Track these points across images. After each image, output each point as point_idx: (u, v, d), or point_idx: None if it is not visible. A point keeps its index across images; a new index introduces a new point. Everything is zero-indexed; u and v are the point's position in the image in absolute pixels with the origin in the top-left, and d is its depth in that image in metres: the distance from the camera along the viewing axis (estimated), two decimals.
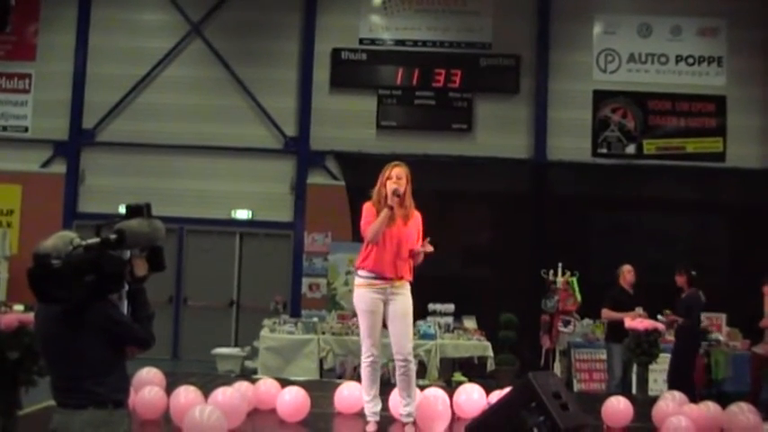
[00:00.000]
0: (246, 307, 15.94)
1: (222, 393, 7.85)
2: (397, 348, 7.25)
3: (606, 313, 11.71)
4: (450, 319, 13.33)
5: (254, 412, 8.27)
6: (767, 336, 11.15)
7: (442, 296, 13.36)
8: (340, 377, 12.29)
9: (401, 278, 7.22)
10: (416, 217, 7.33)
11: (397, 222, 7.19)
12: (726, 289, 13.65)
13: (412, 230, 7.25)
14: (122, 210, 4.65)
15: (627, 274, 11.69)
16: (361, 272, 7.34)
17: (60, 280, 4.28)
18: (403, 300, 7.24)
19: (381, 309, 7.24)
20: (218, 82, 16.23)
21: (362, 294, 7.30)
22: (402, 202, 7.21)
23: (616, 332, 11.36)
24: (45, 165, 16.23)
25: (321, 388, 9.49)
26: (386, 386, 7.86)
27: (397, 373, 7.37)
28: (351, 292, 14.47)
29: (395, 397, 7.71)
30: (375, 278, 7.23)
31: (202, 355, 14.31)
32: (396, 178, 7.21)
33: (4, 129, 16.32)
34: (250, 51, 16.25)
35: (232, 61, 16.17)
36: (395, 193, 7.11)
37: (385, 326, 7.34)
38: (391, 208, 7.12)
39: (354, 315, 13.09)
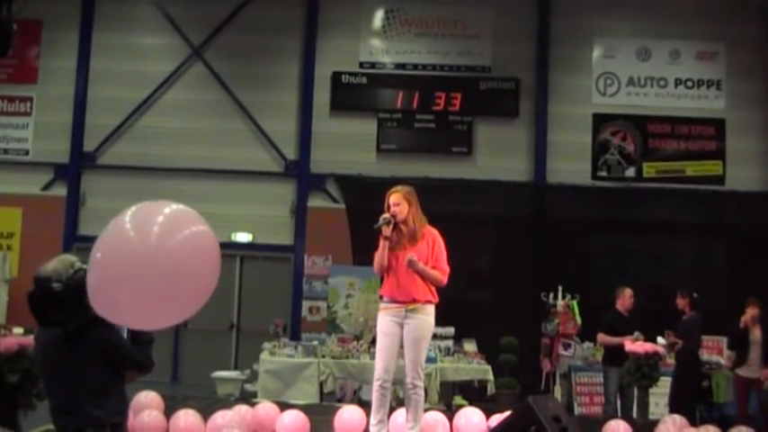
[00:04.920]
0: (246, 330, 15.92)
1: (222, 417, 7.85)
2: (406, 371, 7.27)
3: (602, 338, 11.62)
4: (450, 343, 13.31)
5: None
6: (751, 358, 11.12)
7: (443, 319, 13.22)
8: (340, 401, 12.25)
9: (414, 301, 7.20)
10: (428, 235, 7.30)
11: (404, 246, 7.21)
12: (726, 312, 13.60)
13: (422, 250, 7.23)
14: None
15: (627, 298, 11.61)
16: (382, 298, 7.44)
17: (61, 303, 4.30)
18: (417, 324, 7.21)
19: (397, 332, 7.23)
20: (218, 105, 16.27)
21: (381, 318, 7.37)
22: (405, 223, 7.23)
23: (613, 356, 11.30)
24: (46, 188, 16.26)
25: (321, 411, 9.46)
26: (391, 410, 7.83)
27: (405, 395, 7.38)
28: (351, 315, 14.70)
29: (396, 420, 7.69)
30: (391, 302, 7.28)
31: (202, 378, 14.26)
32: (393, 206, 7.24)
33: (5, 152, 16.35)
34: (251, 75, 16.32)
35: (233, 85, 16.23)
36: (383, 221, 7.18)
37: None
38: (386, 238, 7.18)
39: (355, 338, 13.22)
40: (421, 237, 7.26)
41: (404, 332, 7.22)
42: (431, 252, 7.27)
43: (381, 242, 7.24)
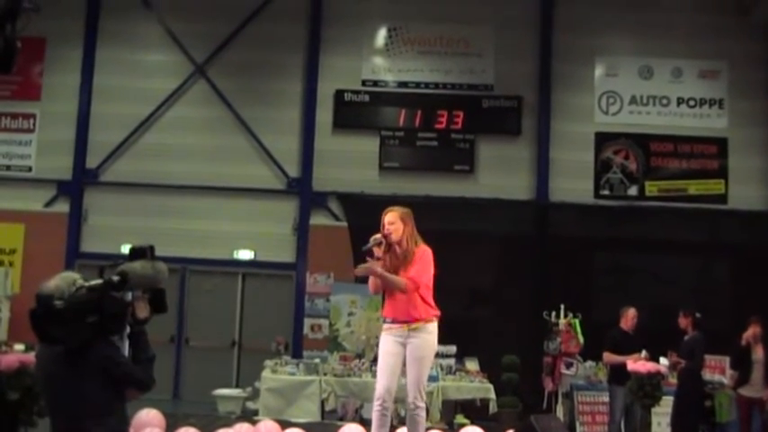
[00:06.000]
0: (248, 347, 15.87)
1: None
2: (408, 391, 7.19)
3: (608, 357, 11.63)
4: (452, 361, 13.29)
5: None
6: (754, 377, 11.09)
7: (444, 337, 13.17)
8: (341, 419, 12.24)
9: (416, 320, 7.12)
10: (418, 253, 7.16)
11: (397, 268, 7.13)
12: (729, 331, 13.55)
13: (411, 270, 7.16)
14: (125, 250, 4.67)
15: (630, 317, 11.61)
16: (385, 319, 7.34)
17: (63, 321, 4.29)
18: (419, 343, 7.11)
19: (400, 351, 7.14)
20: (221, 122, 16.29)
21: (383, 338, 7.29)
22: (399, 244, 7.16)
23: (618, 374, 11.29)
24: (48, 204, 16.26)
25: (322, 430, 9.47)
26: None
27: (407, 414, 7.33)
28: (353, 333, 14.68)
29: None
30: (393, 323, 7.20)
31: (203, 395, 14.22)
32: (388, 224, 7.18)
33: (8, 168, 16.36)
34: (253, 92, 16.34)
35: (235, 102, 16.26)
36: (374, 243, 7.12)
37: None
38: (378, 259, 7.11)
39: (357, 356, 13.19)
40: (412, 257, 7.16)
41: (406, 351, 7.16)
42: (417, 268, 7.13)
43: (374, 263, 7.14)
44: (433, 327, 7.23)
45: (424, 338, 7.15)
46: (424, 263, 7.17)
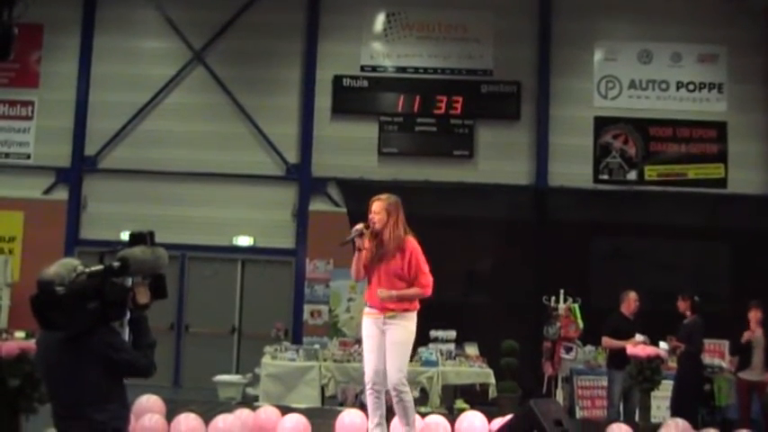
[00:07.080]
0: (248, 334, 15.89)
1: (223, 421, 7.86)
2: (388, 377, 7.21)
3: (607, 341, 11.63)
4: (451, 346, 13.31)
5: None
6: (755, 362, 11.11)
7: (444, 323, 13.34)
8: (341, 404, 12.25)
9: (391, 310, 7.18)
10: (406, 247, 7.20)
11: (379, 258, 7.19)
12: (728, 315, 13.55)
13: (396, 263, 7.17)
14: (125, 237, 4.66)
15: (632, 301, 11.59)
16: (365, 303, 7.46)
17: (63, 307, 4.29)
18: (395, 330, 7.18)
19: (379, 334, 7.24)
20: (220, 109, 16.27)
21: (364, 321, 7.42)
22: (383, 233, 7.18)
23: (617, 359, 11.30)
24: (47, 191, 16.25)
25: (322, 415, 9.47)
26: (390, 413, 7.82)
27: (393, 401, 7.34)
28: (352, 318, 14.71)
29: (395, 425, 7.69)
30: (371, 308, 7.32)
31: (204, 382, 14.25)
32: (373, 213, 7.22)
33: (7, 155, 16.34)
34: (252, 79, 16.30)
35: (234, 88, 16.23)
36: (356, 233, 7.18)
37: None
38: (359, 249, 7.17)
39: (356, 342, 13.21)
40: (398, 249, 7.18)
41: (385, 338, 7.19)
42: (407, 266, 7.18)
43: (356, 254, 7.23)
44: (411, 316, 7.30)
45: (402, 326, 7.21)
46: (421, 263, 7.24)
